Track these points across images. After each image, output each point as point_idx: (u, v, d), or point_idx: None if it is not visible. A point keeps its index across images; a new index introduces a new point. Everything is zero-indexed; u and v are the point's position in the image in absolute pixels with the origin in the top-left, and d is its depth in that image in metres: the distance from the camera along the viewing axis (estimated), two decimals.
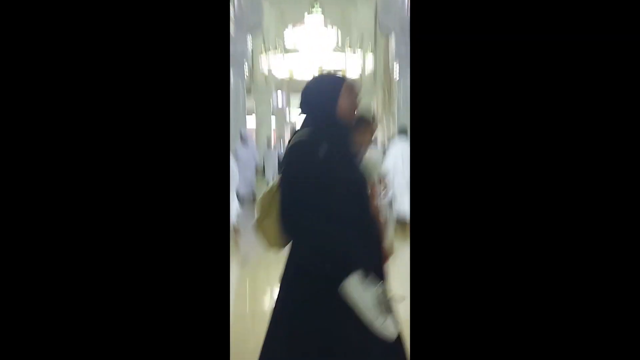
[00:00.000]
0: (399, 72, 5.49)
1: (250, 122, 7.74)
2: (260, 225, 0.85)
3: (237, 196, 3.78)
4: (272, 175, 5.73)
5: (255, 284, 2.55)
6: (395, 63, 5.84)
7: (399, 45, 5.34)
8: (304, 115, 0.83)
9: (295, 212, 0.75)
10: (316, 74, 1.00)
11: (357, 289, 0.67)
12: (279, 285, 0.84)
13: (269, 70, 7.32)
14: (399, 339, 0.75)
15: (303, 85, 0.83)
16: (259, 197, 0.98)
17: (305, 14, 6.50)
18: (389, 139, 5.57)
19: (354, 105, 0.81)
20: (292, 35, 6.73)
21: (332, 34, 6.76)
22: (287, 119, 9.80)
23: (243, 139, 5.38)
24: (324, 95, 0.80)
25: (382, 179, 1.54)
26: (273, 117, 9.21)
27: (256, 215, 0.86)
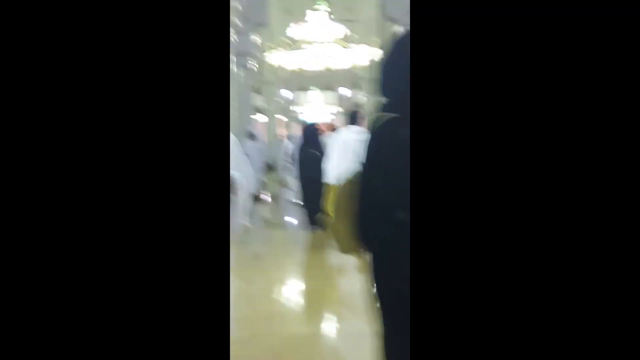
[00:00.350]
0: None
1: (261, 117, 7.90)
2: (334, 229, 0.75)
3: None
4: (284, 174, 5.72)
5: (256, 286, 2.51)
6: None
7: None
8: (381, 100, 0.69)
9: (373, 220, 0.64)
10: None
11: None
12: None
13: (278, 66, 7.46)
14: None
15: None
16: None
17: (308, 10, 6.54)
18: None
19: None
20: (298, 30, 6.76)
21: (338, 28, 6.75)
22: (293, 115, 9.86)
23: (251, 135, 5.50)
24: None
25: None
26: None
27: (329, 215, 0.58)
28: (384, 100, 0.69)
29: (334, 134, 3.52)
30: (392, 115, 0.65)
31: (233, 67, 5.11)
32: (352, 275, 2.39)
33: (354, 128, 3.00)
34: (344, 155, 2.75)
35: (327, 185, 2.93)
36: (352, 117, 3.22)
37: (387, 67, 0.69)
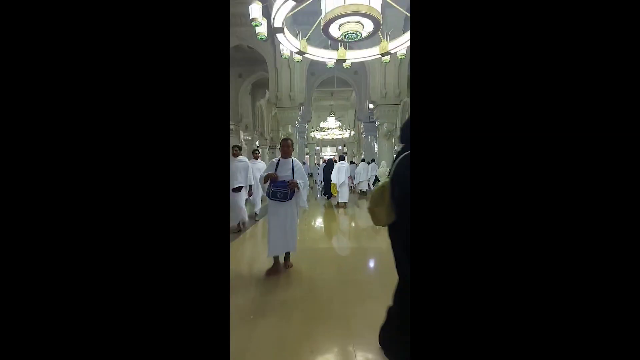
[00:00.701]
0: (364, 135, 14.06)
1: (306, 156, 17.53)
2: (372, 211, 1.22)
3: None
4: (316, 179, 11.94)
5: (304, 221, 2.94)
6: (362, 133, 14.60)
7: (365, 125, 13.70)
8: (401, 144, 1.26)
9: (403, 202, 1.06)
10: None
11: None
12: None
13: (314, 137, 16.98)
14: None
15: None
16: (370, 192, 5.22)
17: (328, 115, 15.93)
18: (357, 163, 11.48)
19: None
20: (323, 124, 16.10)
21: (337, 123, 16.25)
22: (320, 155, 21.27)
23: (304, 162, 13.65)
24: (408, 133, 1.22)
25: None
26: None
27: (369, 205, 1.24)
28: (400, 145, 1.27)
29: (335, 163, 7.06)
30: (407, 152, 1.18)
31: (298, 138, 13.40)
32: (343, 218, 5.33)
33: (342, 162, 6.78)
34: (338, 172, 6.55)
35: (333, 184, 6.67)
36: (341, 157, 7.21)
37: (403, 130, 1.27)
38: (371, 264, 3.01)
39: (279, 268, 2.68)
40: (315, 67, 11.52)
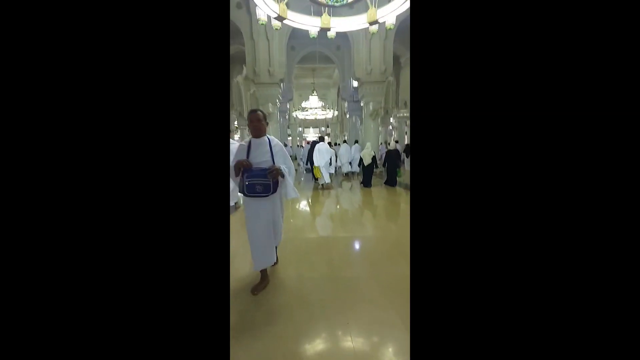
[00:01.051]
0: (348, 115, 13.66)
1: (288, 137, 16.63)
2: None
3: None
4: (299, 160, 12.97)
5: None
6: (346, 112, 14.15)
7: (349, 104, 13.29)
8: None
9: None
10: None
11: None
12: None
13: (296, 117, 16.13)
14: None
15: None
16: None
17: (310, 94, 15.16)
18: (340, 144, 11.91)
19: None
20: (305, 103, 15.35)
21: (320, 103, 15.52)
22: (303, 136, 20.55)
23: (286, 144, 13.23)
24: None
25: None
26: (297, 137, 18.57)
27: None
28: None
29: (317, 144, 7.02)
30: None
31: (280, 117, 12.82)
32: (329, 202, 5.32)
33: (322, 143, 6.82)
34: (319, 154, 6.51)
35: (315, 166, 6.67)
36: (321, 138, 7.26)
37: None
38: (362, 257, 2.83)
39: (267, 280, 2.10)
40: (295, 40, 10.77)
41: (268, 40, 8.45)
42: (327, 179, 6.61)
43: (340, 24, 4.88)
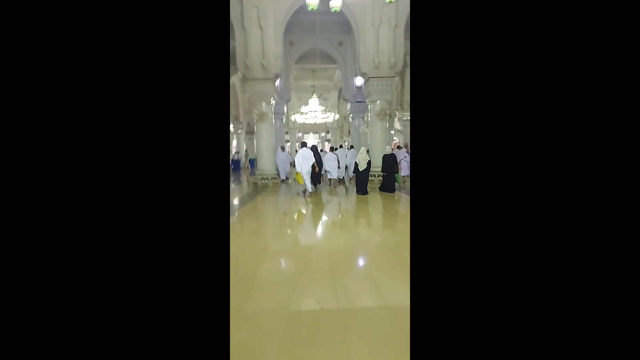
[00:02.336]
0: (351, 117, 12.62)
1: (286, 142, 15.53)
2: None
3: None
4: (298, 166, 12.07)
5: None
6: (349, 115, 13.09)
7: (352, 105, 12.27)
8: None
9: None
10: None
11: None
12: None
13: (294, 121, 14.98)
14: None
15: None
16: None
17: (310, 97, 14.08)
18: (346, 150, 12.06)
19: None
20: (304, 107, 14.23)
21: (320, 105, 14.41)
22: (301, 141, 19.28)
23: (283, 148, 12.09)
24: None
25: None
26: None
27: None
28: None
29: (300, 150, 6.51)
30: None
31: (276, 121, 11.79)
32: (314, 211, 4.80)
33: (304, 149, 6.30)
34: (302, 159, 6.10)
35: (297, 172, 6.19)
36: (303, 144, 6.58)
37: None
38: (361, 289, 2.03)
39: None
40: (293, 34, 9.79)
41: (261, 29, 7.39)
42: (309, 187, 6.25)
43: None
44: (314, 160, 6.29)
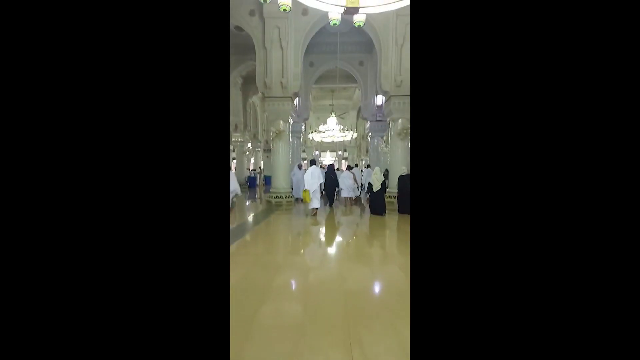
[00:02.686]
0: (370, 136, 12.35)
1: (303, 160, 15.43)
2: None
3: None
4: (307, 184, 11.81)
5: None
6: (368, 134, 12.84)
7: (371, 124, 12.09)
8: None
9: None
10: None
11: None
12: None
13: (312, 139, 14.87)
14: None
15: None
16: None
17: (328, 117, 14.02)
18: (362, 169, 10.97)
19: None
20: (322, 127, 14.14)
21: (338, 124, 14.26)
22: (319, 159, 19.19)
23: (300, 166, 11.91)
24: None
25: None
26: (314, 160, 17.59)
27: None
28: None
29: (310, 168, 6.72)
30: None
31: (293, 139, 11.73)
32: (322, 232, 4.70)
33: (313, 167, 6.50)
34: (311, 177, 6.23)
35: (305, 190, 6.25)
36: (312, 162, 6.85)
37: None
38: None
39: None
40: (314, 54, 9.85)
41: (282, 49, 7.42)
42: (316, 205, 6.29)
43: (371, 2, 3.60)
44: (322, 179, 6.28)
